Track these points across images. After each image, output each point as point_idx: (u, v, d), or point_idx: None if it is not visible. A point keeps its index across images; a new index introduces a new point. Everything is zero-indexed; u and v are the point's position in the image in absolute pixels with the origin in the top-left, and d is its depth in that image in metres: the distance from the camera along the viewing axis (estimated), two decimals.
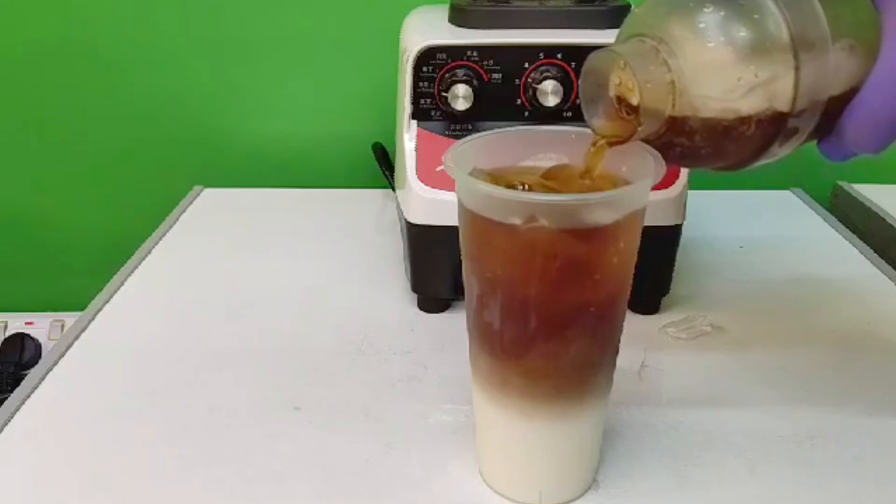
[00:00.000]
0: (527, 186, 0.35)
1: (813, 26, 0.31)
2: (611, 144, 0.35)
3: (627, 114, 0.34)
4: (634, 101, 0.33)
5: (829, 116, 0.33)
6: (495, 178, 0.36)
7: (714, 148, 0.33)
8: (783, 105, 0.31)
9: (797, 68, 0.31)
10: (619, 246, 0.33)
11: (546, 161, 0.38)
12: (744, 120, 0.32)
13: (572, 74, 0.49)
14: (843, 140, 0.33)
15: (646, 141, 0.34)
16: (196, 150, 0.81)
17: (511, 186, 0.35)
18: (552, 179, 0.36)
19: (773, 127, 0.32)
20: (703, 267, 0.61)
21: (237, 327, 0.54)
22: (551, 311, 0.34)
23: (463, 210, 0.35)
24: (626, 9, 0.50)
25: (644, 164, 0.34)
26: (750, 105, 0.31)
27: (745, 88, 0.31)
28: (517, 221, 0.32)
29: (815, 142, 0.35)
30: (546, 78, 0.49)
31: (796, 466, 0.41)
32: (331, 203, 0.75)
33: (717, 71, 0.31)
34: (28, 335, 0.79)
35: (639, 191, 0.33)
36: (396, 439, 0.43)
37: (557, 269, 0.33)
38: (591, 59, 0.34)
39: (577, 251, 0.32)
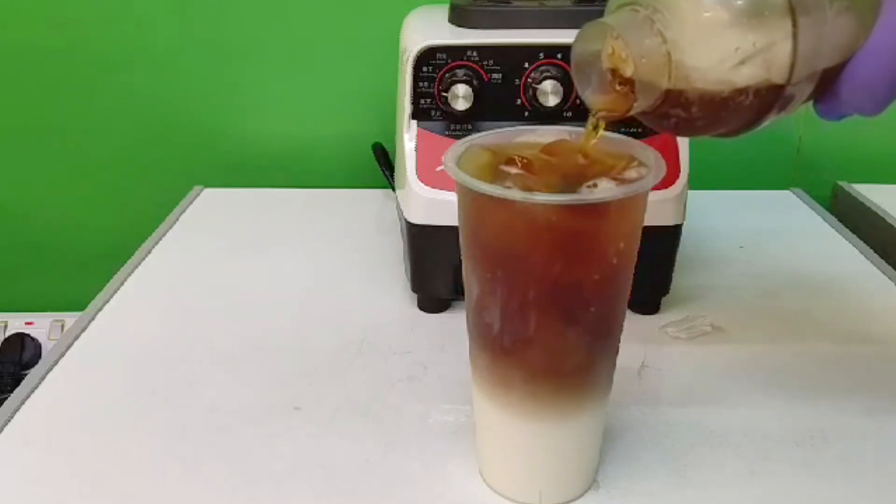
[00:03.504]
0: (525, 160, 0.35)
1: None
2: (607, 119, 0.34)
3: (621, 85, 0.33)
4: (628, 72, 0.32)
5: (826, 78, 0.32)
6: (495, 152, 0.36)
7: (711, 118, 0.32)
8: (781, 73, 0.31)
9: (795, 35, 0.30)
10: (620, 229, 0.33)
11: (546, 136, 0.38)
12: (741, 90, 0.31)
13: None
14: (840, 101, 0.33)
15: (641, 112, 0.33)
16: (196, 150, 0.81)
17: (510, 160, 0.35)
18: (552, 155, 0.36)
19: (771, 95, 0.31)
20: (703, 267, 0.61)
21: (237, 327, 0.54)
22: (551, 311, 0.34)
23: (462, 191, 0.34)
24: None
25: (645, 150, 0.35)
26: (748, 75, 0.30)
27: (743, 58, 0.30)
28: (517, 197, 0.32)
29: (811, 103, 0.34)
30: (546, 78, 0.49)
31: (796, 466, 0.41)
32: (331, 203, 0.75)
33: (715, 41, 0.30)
34: (28, 335, 0.79)
35: (640, 187, 0.33)
36: (396, 439, 0.43)
37: (558, 253, 0.32)
38: (583, 32, 0.33)
39: (576, 226, 0.32)
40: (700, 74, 0.31)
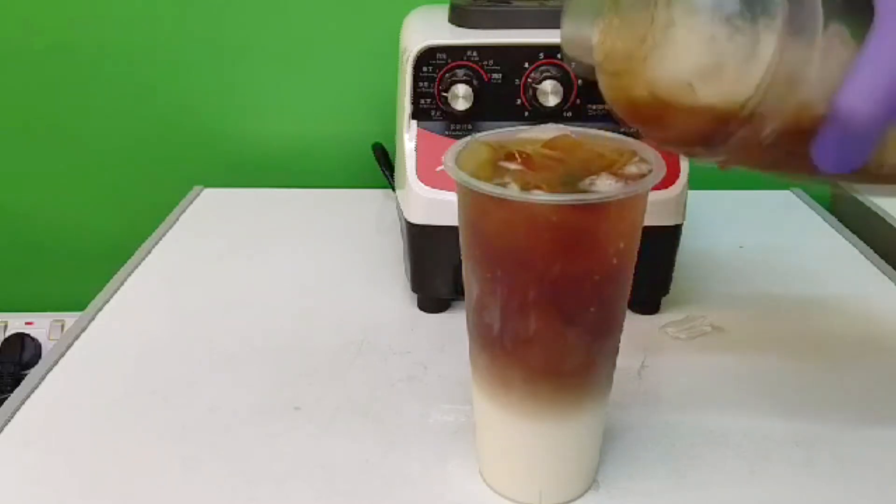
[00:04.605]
0: (525, 155, 0.35)
1: (810, 9, 0.30)
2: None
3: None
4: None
5: (814, 120, 0.31)
6: (494, 147, 0.36)
7: (672, 117, 0.31)
8: (748, 85, 0.30)
9: (777, 50, 0.29)
10: (620, 229, 0.33)
11: (547, 133, 0.38)
12: (704, 87, 0.30)
13: (572, 74, 0.49)
14: (837, 118, 0.30)
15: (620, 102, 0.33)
16: (196, 150, 0.81)
17: (510, 155, 0.35)
18: (554, 150, 0.36)
19: (734, 107, 0.30)
20: (703, 267, 0.61)
21: (237, 327, 0.54)
22: (551, 311, 0.34)
23: (462, 191, 0.34)
24: None
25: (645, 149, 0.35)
26: (714, 75, 0.30)
27: (717, 57, 0.30)
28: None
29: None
30: (546, 78, 0.49)
31: (796, 467, 0.41)
32: (331, 203, 0.75)
33: (693, 35, 0.30)
34: (28, 335, 0.79)
35: (639, 186, 0.33)
36: (396, 439, 0.43)
37: (558, 252, 0.32)
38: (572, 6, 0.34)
39: (576, 225, 0.32)
40: (667, 69, 0.30)
